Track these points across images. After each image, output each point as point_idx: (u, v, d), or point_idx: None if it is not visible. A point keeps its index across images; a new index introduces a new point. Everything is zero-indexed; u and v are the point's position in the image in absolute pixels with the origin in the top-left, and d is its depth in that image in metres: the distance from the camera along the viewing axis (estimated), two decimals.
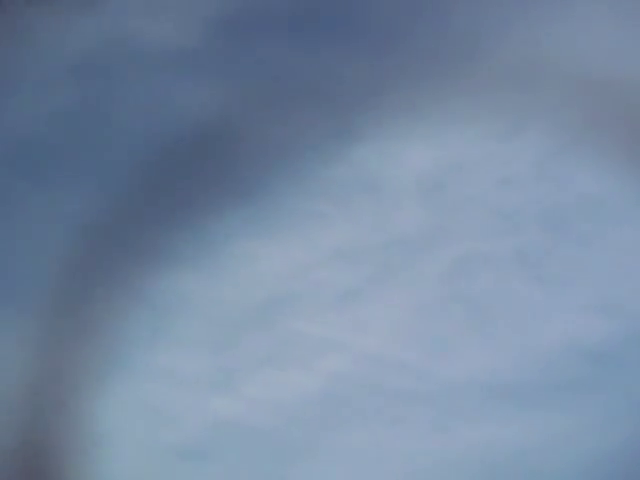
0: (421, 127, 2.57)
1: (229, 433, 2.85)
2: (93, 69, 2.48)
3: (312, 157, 2.76)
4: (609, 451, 2.54)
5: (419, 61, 2.30)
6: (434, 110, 2.46)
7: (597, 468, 2.52)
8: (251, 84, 2.30)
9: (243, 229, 2.86)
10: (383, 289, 3.03)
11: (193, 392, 2.84)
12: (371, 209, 2.93)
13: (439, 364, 2.89)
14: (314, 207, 2.90)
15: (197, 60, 2.41)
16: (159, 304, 2.83)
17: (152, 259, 2.74)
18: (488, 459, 2.69)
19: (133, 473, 2.67)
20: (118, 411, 2.73)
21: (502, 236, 2.95)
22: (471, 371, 2.86)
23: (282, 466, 2.81)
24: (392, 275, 3.02)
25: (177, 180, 2.64)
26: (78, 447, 2.46)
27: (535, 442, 2.66)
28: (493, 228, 2.94)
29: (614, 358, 2.69)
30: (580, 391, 2.67)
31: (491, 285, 2.92)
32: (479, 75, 2.29)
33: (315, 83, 2.41)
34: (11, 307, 2.48)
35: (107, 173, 2.43)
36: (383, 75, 2.36)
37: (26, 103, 2.30)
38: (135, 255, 2.71)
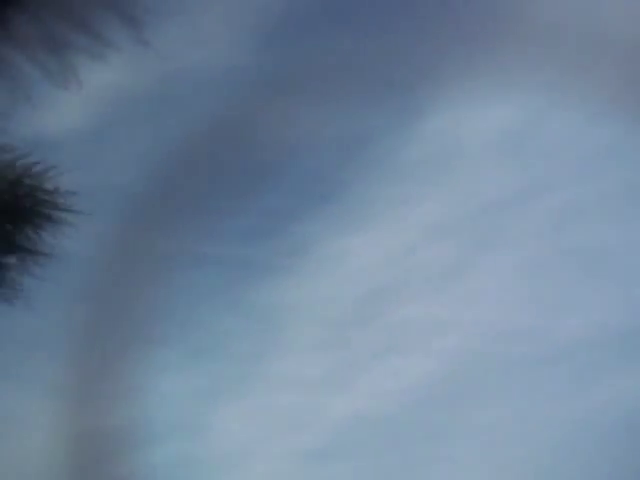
0: (486, 89, 2.58)
1: (358, 429, 2.91)
2: (159, 103, 2.63)
3: (387, 141, 2.81)
4: None
5: (472, 26, 2.32)
6: (496, 70, 2.47)
7: None
8: (310, 80, 2.37)
9: (331, 227, 2.94)
10: (486, 257, 3.04)
11: (314, 394, 2.93)
12: (457, 179, 2.94)
13: (558, 323, 2.87)
14: (399, 190, 2.94)
15: (254, 74, 2.51)
16: (266, 316, 2.94)
17: (251, 273, 2.87)
18: (629, 414, 2.65)
19: None
20: (245, 423, 2.86)
21: (594, 180, 2.91)
22: (593, 324, 2.83)
23: (417, 452, 2.86)
24: (492, 241, 3.01)
25: (259, 191, 2.76)
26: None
27: None
28: (583, 173, 2.90)
29: None
30: None
31: (593, 231, 2.88)
32: (533, 29, 2.29)
33: (375, 66, 2.45)
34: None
35: (188, 199, 2.59)
36: (441, 44, 2.38)
37: (105, 149, 2.47)
38: (233, 271, 2.85)
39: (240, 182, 2.56)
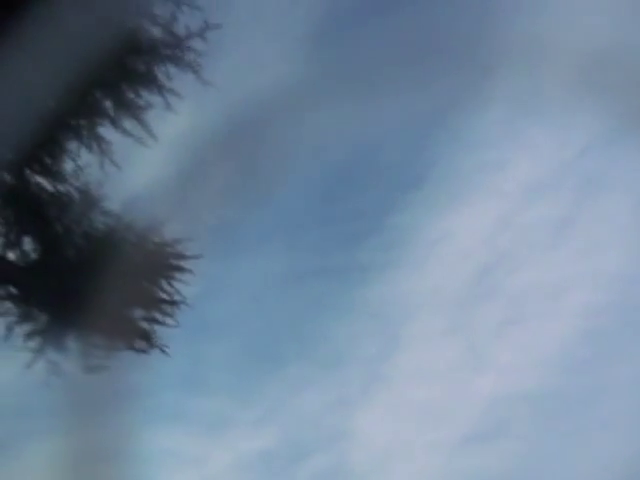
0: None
1: (505, 407, 3.02)
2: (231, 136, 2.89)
3: (460, 113, 2.93)
4: None
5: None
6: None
7: None
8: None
9: (426, 211, 3.10)
10: (595, 203, 3.09)
11: (452, 380, 3.08)
12: (543, 133, 3.01)
13: None
14: (485, 158, 3.06)
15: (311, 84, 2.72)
16: (383, 313, 3.14)
17: (358, 275, 3.07)
18: None
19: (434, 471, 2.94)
20: (390, 422, 3.05)
21: None
22: None
23: (572, 420, 2.93)
24: (598, 186, 3.08)
25: (344, 195, 2.98)
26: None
27: None
28: None
29: None
30: None
31: None
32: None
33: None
34: None
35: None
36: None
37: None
38: (341, 277, 3.06)
39: (322, 191, 2.79)
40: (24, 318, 2.36)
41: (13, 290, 2.39)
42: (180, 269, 2.37)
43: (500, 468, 2.94)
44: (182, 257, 2.37)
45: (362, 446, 3.00)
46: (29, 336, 2.36)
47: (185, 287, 2.41)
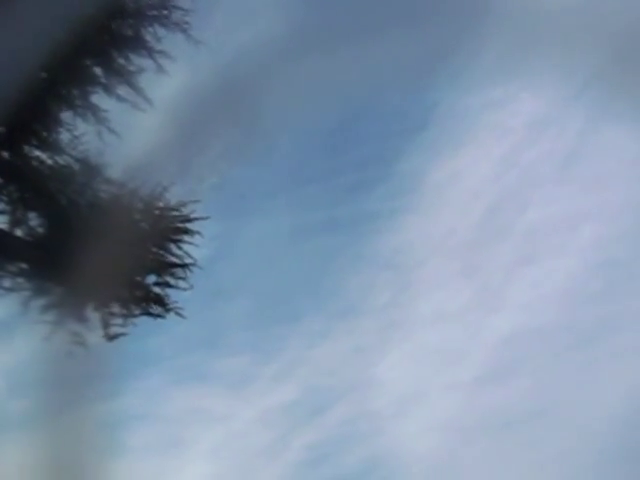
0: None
1: (520, 342, 3.07)
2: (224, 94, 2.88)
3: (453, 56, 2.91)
4: None
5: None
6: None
7: None
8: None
9: (432, 154, 3.10)
10: (601, 136, 3.09)
11: (466, 322, 3.13)
12: (543, 70, 3.00)
13: None
14: (486, 98, 3.05)
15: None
16: (392, 260, 3.17)
17: (368, 223, 3.08)
18: None
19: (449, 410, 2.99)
20: (408, 367, 3.10)
21: None
22: None
23: (584, 353, 2.97)
24: (601, 120, 3.06)
25: (347, 145, 2.98)
26: None
27: None
28: None
29: None
30: None
31: None
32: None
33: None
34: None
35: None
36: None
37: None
38: (351, 226, 3.08)
39: (324, 143, 2.79)
40: (38, 292, 2.39)
41: (24, 266, 2.41)
42: (188, 232, 2.38)
43: (516, 405, 2.98)
44: (189, 220, 2.38)
45: (381, 392, 3.05)
46: (45, 309, 2.39)
47: (195, 249, 2.44)
